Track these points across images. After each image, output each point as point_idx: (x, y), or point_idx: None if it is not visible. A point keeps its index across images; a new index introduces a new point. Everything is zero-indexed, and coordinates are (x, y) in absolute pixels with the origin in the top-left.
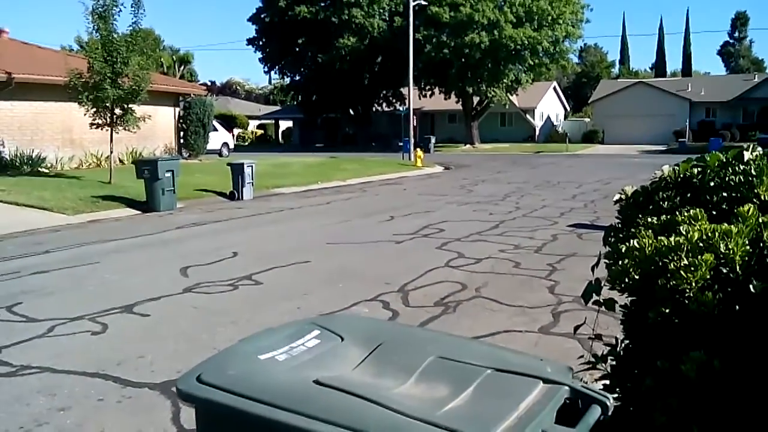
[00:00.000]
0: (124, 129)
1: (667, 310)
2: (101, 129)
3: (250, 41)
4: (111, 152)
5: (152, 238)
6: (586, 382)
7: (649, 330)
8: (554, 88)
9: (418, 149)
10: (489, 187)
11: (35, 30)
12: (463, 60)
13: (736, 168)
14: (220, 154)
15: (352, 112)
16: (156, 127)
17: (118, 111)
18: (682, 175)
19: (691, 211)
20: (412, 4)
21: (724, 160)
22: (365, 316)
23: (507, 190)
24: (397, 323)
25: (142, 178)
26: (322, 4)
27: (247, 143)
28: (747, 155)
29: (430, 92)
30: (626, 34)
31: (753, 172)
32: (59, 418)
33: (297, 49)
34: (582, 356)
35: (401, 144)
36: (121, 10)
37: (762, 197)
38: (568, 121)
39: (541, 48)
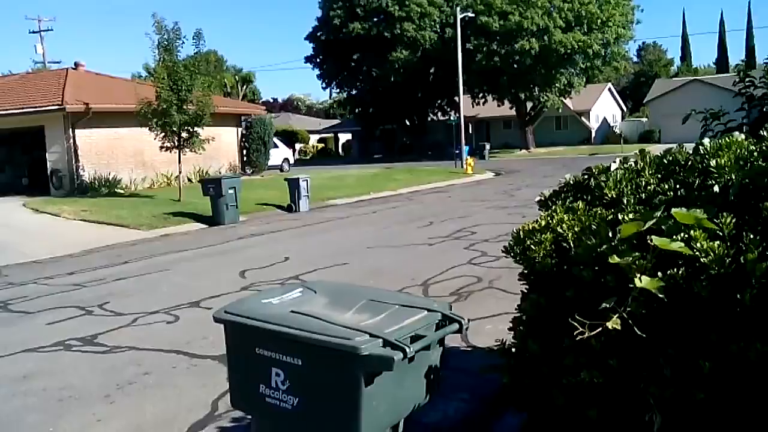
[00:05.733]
0: (191, 150)
1: (526, 271)
2: (170, 151)
3: (308, 59)
4: (179, 172)
5: (216, 248)
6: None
7: (528, 287)
8: (609, 90)
9: (469, 157)
10: (531, 191)
11: (107, 58)
12: (514, 66)
13: (602, 176)
14: (281, 169)
15: (408, 122)
16: (220, 147)
17: (184, 134)
18: (578, 180)
19: (554, 207)
20: (459, 16)
21: (606, 167)
22: None
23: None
24: (353, 284)
25: (208, 195)
26: (375, 20)
27: (308, 157)
28: (613, 165)
29: (483, 99)
30: (686, 31)
31: (602, 178)
32: (144, 379)
33: (352, 65)
34: None
35: (457, 152)
36: (183, 42)
37: (609, 195)
38: (625, 121)
39: (591, 51)
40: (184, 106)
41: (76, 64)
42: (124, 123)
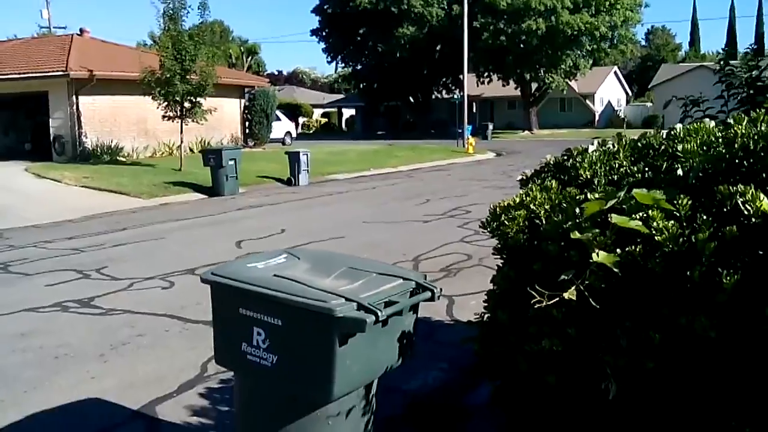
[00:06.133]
0: (193, 120)
1: (500, 245)
2: (172, 121)
3: (313, 32)
4: (181, 142)
5: (214, 218)
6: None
7: (502, 261)
8: (615, 73)
9: (471, 136)
10: (530, 173)
11: (113, 25)
12: (521, 46)
13: (579, 157)
14: (283, 143)
15: (412, 99)
16: (223, 118)
17: (187, 104)
18: (557, 161)
19: (531, 185)
20: None
21: (584, 149)
22: None
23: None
24: (334, 252)
25: (209, 166)
26: None
27: (311, 131)
28: (590, 148)
29: (488, 79)
30: (696, 16)
31: (578, 159)
32: (138, 340)
33: (358, 39)
34: None
35: (460, 131)
36: (188, 12)
37: (583, 176)
38: (630, 106)
39: (598, 33)
40: (188, 76)
41: (82, 31)
42: (127, 91)
